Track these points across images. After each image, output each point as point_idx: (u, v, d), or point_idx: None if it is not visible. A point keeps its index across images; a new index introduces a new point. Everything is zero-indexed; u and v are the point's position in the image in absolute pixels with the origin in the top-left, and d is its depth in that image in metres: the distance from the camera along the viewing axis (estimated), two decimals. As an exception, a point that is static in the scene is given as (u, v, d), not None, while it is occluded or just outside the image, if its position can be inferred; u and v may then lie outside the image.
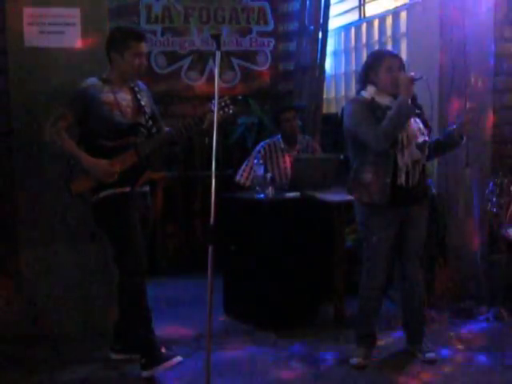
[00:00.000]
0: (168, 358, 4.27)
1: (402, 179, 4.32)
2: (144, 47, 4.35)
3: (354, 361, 4.49)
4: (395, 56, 4.42)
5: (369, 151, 4.32)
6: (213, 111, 4.08)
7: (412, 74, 4.24)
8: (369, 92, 4.38)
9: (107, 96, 4.29)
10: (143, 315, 4.31)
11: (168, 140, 4.43)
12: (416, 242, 4.51)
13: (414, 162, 4.32)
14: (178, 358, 4.27)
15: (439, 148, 4.51)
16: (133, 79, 4.42)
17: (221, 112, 4.25)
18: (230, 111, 4.33)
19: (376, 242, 4.41)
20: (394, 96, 4.28)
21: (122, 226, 4.28)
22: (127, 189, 4.29)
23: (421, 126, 4.36)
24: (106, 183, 4.23)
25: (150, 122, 4.41)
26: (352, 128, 4.38)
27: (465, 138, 4.42)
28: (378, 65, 4.36)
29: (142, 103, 4.41)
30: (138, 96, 4.41)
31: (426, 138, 4.34)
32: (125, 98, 4.37)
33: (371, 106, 4.32)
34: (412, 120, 4.32)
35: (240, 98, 4.47)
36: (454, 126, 4.41)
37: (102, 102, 4.27)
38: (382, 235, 4.39)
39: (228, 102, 4.33)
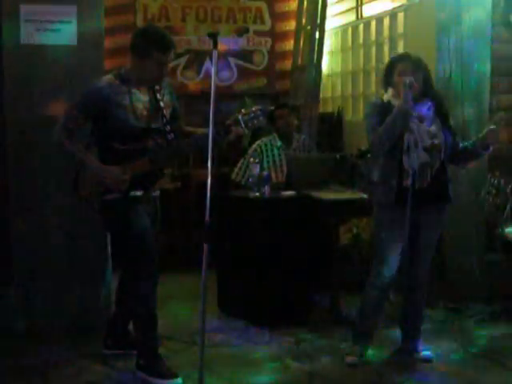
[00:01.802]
0: (169, 375, 4.17)
1: (407, 181, 4.31)
2: (168, 57, 4.06)
3: (349, 359, 4.49)
4: (408, 59, 4.36)
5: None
6: (239, 123, 3.95)
7: (405, 78, 4.25)
8: (388, 95, 4.41)
9: (122, 98, 4.05)
10: (149, 322, 4.26)
11: (184, 152, 4.32)
12: (426, 244, 4.50)
13: (423, 164, 4.32)
14: (179, 380, 4.15)
15: (465, 155, 4.48)
16: (152, 83, 4.16)
17: (249, 124, 3.99)
18: (260, 124, 4.05)
19: (384, 240, 4.42)
20: (413, 99, 4.30)
21: (133, 229, 4.13)
22: (139, 193, 4.16)
23: (432, 128, 4.35)
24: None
25: (168, 127, 4.17)
26: (366, 130, 4.42)
27: (491, 149, 4.38)
28: (392, 69, 4.39)
29: (161, 104, 4.17)
30: (158, 96, 4.17)
31: (435, 142, 4.34)
32: (142, 99, 4.12)
33: (385, 109, 4.32)
34: (425, 123, 4.33)
35: (272, 108, 4.18)
36: (480, 135, 4.36)
37: (117, 105, 4.03)
38: (389, 234, 4.38)
39: (259, 113, 4.01)
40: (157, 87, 4.19)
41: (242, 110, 4.01)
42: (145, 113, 4.13)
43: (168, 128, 4.18)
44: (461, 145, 4.46)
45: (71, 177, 4.24)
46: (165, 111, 4.19)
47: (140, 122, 4.10)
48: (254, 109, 4.04)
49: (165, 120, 4.18)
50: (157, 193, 4.40)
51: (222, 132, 3.96)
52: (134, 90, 4.11)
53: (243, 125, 3.98)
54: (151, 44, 4.02)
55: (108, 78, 4.14)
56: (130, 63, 4.14)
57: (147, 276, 4.18)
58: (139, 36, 4.13)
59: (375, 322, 4.62)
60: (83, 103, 4.11)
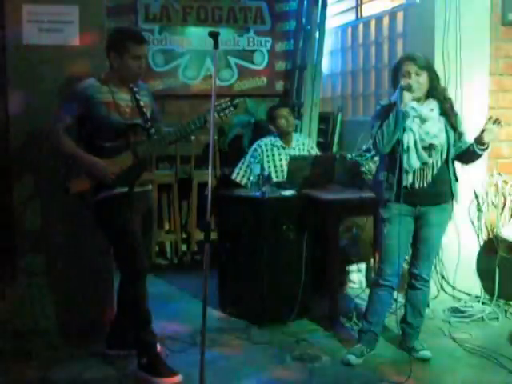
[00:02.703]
0: (170, 375, 4.22)
1: (408, 180, 4.35)
2: (144, 50, 4.30)
3: (349, 358, 4.52)
4: (413, 60, 4.38)
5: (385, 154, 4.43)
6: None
7: (402, 81, 4.31)
8: (395, 96, 4.42)
9: (105, 96, 4.25)
10: (142, 317, 4.31)
11: (166, 143, 4.41)
12: (428, 244, 4.52)
13: (423, 164, 4.35)
14: (179, 378, 4.21)
15: (469, 155, 4.46)
16: (132, 81, 4.37)
17: (221, 114, 4.24)
18: (231, 113, 4.31)
19: (386, 238, 4.46)
20: (417, 99, 4.36)
21: (121, 227, 4.26)
22: (125, 189, 4.27)
23: (433, 129, 4.37)
24: (104, 184, 4.21)
25: (149, 123, 4.35)
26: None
27: (489, 148, 4.37)
28: (398, 70, 4.42)
29: (142, 103, 4.35)
30: (137, 96, 4.36)
31: (435, 142, 4.36)
32: (123, 98, 4.32)
33: (391, 110, 4.35)
34: (427, 123, 4.36)
35: (242, 99, 4.41)
36: (477, 135, 4.35)
37: (100, 103, 4.22)
38: (391, 231, 4.42)
39: (229, 104, 4.29)
40: (135, 88, 4.38)
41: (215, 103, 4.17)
42: (127, 110, 4.31)
43: (149, 124, 4.34)
44: (467, 145, 4.48)
45: (62, 174, 4.34)
46: (145, 109, 4.37)
47: (124, 118, 4.28)
48: (225, 100, 4.33)
49: (146, 117, 4.35)
50: (147, 187, 4.49)
51: (197, 122, 4.25)
52: (115, 90, 4.30)
53: (216, 115, 4.24)
54: (127, 38, 4.25)
55: (90, 79, 4.34)
56: (108, 66, 4.36)
57: (134, 273, 4.27)
58: (114, 34, 4.37)
59: (382, 321, 4.65)
60: (68, 104, 4.29)
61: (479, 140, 4.32)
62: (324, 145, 7.37)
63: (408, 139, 4.34)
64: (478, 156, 4.47)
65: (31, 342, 4.79)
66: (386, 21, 7.38)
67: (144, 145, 4.30)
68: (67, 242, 5.00)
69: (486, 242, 5.75)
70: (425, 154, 4.35)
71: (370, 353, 4.59)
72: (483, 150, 4.37)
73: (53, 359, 4.55)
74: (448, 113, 4.44)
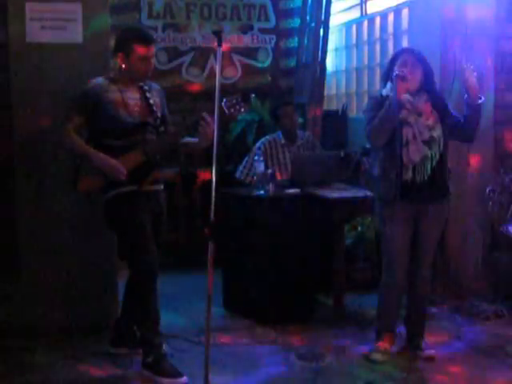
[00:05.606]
0: (175, 374, 4.19)
1: (408, 175, 4.34)
2: (151, 50, 4.26)
3: (374, 356, 4.50)
4: (409, 52, 4.41)
5: (380, 147, 4.41)
6: (224, 111, 4.08)
7: (396, 70, 4.30)
8: (386, 89, 4.43)
9: (113, 95, 4.23)
10: (150, 317, 4.29)
11: (176, 141, 4.39)
12: (428, 241, 4.50)
13: (423, 158, 4.33)
14: (185, 379, 4.17)
15: (470, 121, 4.40)
16: (140, 80, 4.35)
17: (232, 110, 4.13)
18: (242, 109, 4.19)
19: (389, 236, 4.44)
20: (411, 91, 4.36)
21: (131, 225, 4.23)
22: (135, 187, 4.24)
23: (430, 121, 4.37)
24: (113, 182, 4.18)
25: (159, 122, 4.34)
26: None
27: (482, 98, 4.35)
28: (394, 61, 4.42)
29: (151, 102, 4.34)
30: (148, 95, 4.34)
31: (434, 135, 4.35)
32: (132, 97, 4.30)
33: (383, 103, 4.34)
34: (422, 116, 4.35)
35: (253, 95, 4.34)
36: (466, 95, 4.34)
37: (108, 101, 4.21)
38: (394, 229, 4.41)
39: (240, 99, 4.17)
40: (145, 87, 4.36)
41: (224, 99, 4.12)
42: (136, 109, 4.30)
43: (158, 122, 4.34)
44: (461, 119, 4.43)
45: (72, 173, 4.32)
46: (155, 108, 4.35)
47: (132, 117, 4.26)
48: (236, 96, 4.20)
49: (155, 116, 4.34)
50: (159, 187, 4.46)
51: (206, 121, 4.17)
52: (124, 89, 4.29)
53: (226, 111, 4.13)
54: (134, 39, 4.22)
55: (98, 79, 4.33)
56: (117, 65, 4.34)
57: (145, 272, 4.24)
58: (122, 34, 4.34)
59: (395, 319, 4.62)
60: (76, 105, 4.28)
61: (470, 96, 4.29)
62: (328, 143, 7.34)
63: (407, 133, 4.33)
64: (477, 111, 4.37)
65: (35, 340, 4.78)
66: (390, 18, 7.38)
67: (153, 143, 4.28)
68: (70, 241, 4.99)
69: (491, 240, 5.72)
70: (425, 147, 4.34)
71: (391, 350, 4.58)
72: (479, 99, 4.33)
73: (56, 358, 4.54)
74: (441, 106, 4.44)
